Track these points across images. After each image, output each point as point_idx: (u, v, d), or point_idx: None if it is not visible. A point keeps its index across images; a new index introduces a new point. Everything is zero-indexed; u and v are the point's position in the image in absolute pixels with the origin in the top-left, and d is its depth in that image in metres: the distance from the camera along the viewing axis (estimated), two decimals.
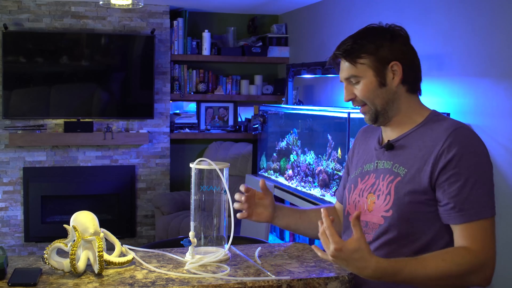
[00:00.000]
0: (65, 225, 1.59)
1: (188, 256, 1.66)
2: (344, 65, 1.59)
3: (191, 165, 1.64)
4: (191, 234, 1.65)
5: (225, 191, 1.66)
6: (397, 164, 1.57)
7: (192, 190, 1.67)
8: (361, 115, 2.95)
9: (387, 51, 1.54)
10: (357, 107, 1.65)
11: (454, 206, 1.46)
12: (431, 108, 1.64)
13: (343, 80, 1.61)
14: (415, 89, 1.61)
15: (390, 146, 1.61)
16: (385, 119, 1.61)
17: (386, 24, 1.60)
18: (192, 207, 1.68)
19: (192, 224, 1.68)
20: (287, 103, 4.64)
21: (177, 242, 2.10)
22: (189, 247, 1.66)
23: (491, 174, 1.51)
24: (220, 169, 1.62)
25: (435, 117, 1.58)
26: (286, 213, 1.84)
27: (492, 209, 1.50)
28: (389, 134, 1.65)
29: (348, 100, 1.62)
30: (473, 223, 1.47)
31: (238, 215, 1.73)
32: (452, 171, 1.46)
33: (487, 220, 1.48)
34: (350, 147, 1.86)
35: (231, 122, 5.60)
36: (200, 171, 1.65)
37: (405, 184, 1.52)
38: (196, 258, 1.63)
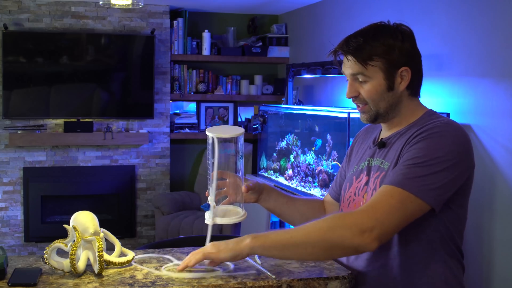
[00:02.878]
0: (65, 225, 1.59)
1: (208, 220, 1.64)
2: (351, 62, 1.55)
3: (207, 132, 1.61)
4: (210, 198, 1.62)
5: (240, 155, 1.64)
6: (383, 160, 1.59)
7: (210, 154, 1.62)
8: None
9: (398, 54, 1.52)
10: (355, 104, 1.64)
11: (391, 171, 1.48)
12: (429, 108, 1.63)
13: (348, 76, 1.59)
14: (417, 93, 1.61)
15: (382, 145, 1.62)
16: (384, 120, 1.61)
17: (394, 24, 1.57)
18: (209, 171, 1.63)
19: (210, 188, 1.63)
20: (287, 103, 4.64)
21: (177, 242, 2.10)
22: (208, 212, 1.63)
23: (450, 170, 1.43)
24: (235, 136, 1.60)
25: (428, 116, 1.58)
26: (273, 197, 1.80)
27: (420, 190, 1.41)
28: (384, 133, 1.66)
29: (351, 97, 1.60)
30: (386, 186, 1.44)
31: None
32: (408, 149, 1.48)
33: (402, 191, 1.41)
34: (350, 145, 1.86)
35: (231, 122, 5.60)
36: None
37: (387, 177, 1.52)
38: (219, 220, 1.62)
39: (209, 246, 1.51)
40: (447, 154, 1.44)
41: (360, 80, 1.56)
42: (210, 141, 1.61)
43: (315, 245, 1.44)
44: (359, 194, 1.63)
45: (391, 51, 1.52)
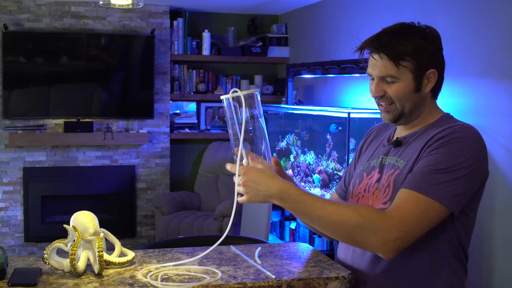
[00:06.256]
0: (65, 225, 1.59)
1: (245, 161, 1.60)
2: (382, 62, 1.53)
3: (221, 97, 1.58)
4: (245, 161, 1.56)
5: (259, 116, 1.58)
6: (399, 158, 1.58)
7: (231, 119, 1.58)
8: (361, 115, 2.94)
9: (428, 56, 1.52)
10: (378, 104, 1.61)
11: (411, 175, 1.47)
12: (446, 111, 1.63)
13: (376, 77, 1.56)
14: (437, 95, 1.62)
15: (397, 143, 1.62)
16: (406, 121, 1.60)
17: (423, 25, 1.56)
18: (240, 141, 1.57)
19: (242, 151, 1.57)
20: (287, 103, 4.64)
21: (177, 242, 2.11)
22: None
23: (470, 176, 1.44)
24: (248, 95, 1.55)
25: (446, 119, 1.58)
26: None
27: (443, 197, 1.42)
28: (400, 132, 1.66)
29: (377, 96, 1.58)
30: (410, 191, 1.44)
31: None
32: (429, 153, 1.48)
33: (427, 199, 1.42)
34: (360, 141, 1.85)
35: None
36: (231, 104, 1.57)
37: (402, 176, 1.53)
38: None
39: (243, 188, 1.51)
40: (467, 160, 1.45)
41: (388, 80, 1.54)
42: (225, 105, 1.57)
43: (339, 232, 1.47)
44: (369, 191, 1.63)
45: (422, 53, 1.52)
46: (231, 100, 1.57)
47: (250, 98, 1.57)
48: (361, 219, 1.42)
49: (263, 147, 1.63)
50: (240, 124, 1.58)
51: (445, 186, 1.42)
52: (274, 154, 4.35)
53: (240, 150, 1.55)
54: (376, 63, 1.54)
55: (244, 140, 1.58)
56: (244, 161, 1.56)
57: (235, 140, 1.60)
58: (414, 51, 1.51)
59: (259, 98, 1.59)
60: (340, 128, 3.64)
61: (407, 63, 1.51)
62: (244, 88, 5.50)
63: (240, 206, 4.39)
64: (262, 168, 1.52)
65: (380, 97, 1.58)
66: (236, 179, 1.54)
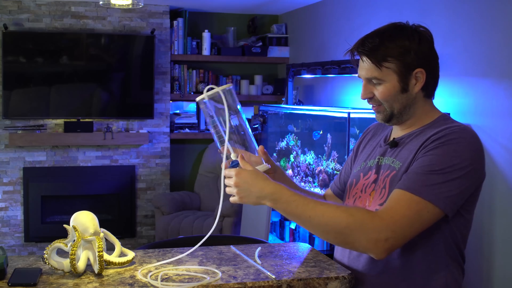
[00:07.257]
0: (65, 225, 1.59)
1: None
2: (366, 64, 1.54)
3: (197, 99, 1.58)
4: (233, 155, 1.57)
5: (237, 111, 1.59)
6: (395, 159, 1.58)
7: (211, 120, 1.59)
8: (361, 115, 2.97)
9: (414, 56, 1.51)
10: (371, 104, 1.62)
11: (406, 175, 1.47)
12: (442, 112, 1.63)
13: (363, 79, 1.58)
14: (431, 94, 1.61)
15: (394, 144, 1.61)
16: (398, 121, 1.60)
17: (412, 25, 1.56)
18: (214, 136, 1.60)
19: (229, 146, 1.58)
20: (287, 103, 4.64)
21: (177, 242, 2.10)
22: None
23: (466, 177, 1.44)
24: (223, 90, 1.55)
25: (443, 120, 1.58)
26: (287, 180, 1.75)
27: (437, 198, 1.41)
28: (396, 132, 1.65)
29: (365, 99, 1.60)
30: (404, 192, 1.43)
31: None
32: (424, 153, 1.47)
33: (420, 200, 1.41)
34: (357, 140, 1.84)
35: None
36: (209, 104, 1.58)
37: (398, 177, 1.52)
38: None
39: (235, 189, 1.51)
40: (463, 161, 1.44)
41: (374, 82, 1.55)
42: (205, 106, 1.58)
43: (330, 233, 1.47)
44: (366, 192, 1.63)
45: (406, 53, 1.51)
46: (207, 98, 1.57)
47: (228, 95, 1.57)
48: (351, 219, 1.42)
49: (248, 141, 1.63)
50: (221, 122, 1.58)
51: (439, 187, 1.42)
52: (274, 154, 4.35)
53: (226, 146, 1.56)
54: (362, 66, 1.56)
55: (229, 139, 1.58)
56: (233, 155, 1.57)
57: (219, 138, 1.60)
58: (398, 52, 1.51)
59: (234, 94, 1.60)
60: (321, 132, 3.66)
61: (390, 64, 1.51)
62: (243, 88, 5.50)
63: (240, 206, 4.39)
64: (254, 170, 1.52)
65: (369, 99, 1.59)
66: (222, 179, 1.55)
